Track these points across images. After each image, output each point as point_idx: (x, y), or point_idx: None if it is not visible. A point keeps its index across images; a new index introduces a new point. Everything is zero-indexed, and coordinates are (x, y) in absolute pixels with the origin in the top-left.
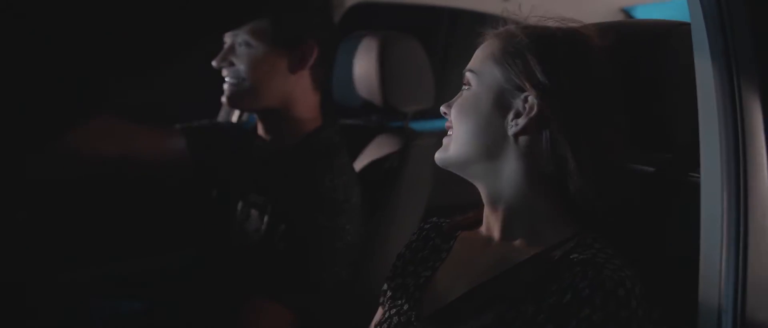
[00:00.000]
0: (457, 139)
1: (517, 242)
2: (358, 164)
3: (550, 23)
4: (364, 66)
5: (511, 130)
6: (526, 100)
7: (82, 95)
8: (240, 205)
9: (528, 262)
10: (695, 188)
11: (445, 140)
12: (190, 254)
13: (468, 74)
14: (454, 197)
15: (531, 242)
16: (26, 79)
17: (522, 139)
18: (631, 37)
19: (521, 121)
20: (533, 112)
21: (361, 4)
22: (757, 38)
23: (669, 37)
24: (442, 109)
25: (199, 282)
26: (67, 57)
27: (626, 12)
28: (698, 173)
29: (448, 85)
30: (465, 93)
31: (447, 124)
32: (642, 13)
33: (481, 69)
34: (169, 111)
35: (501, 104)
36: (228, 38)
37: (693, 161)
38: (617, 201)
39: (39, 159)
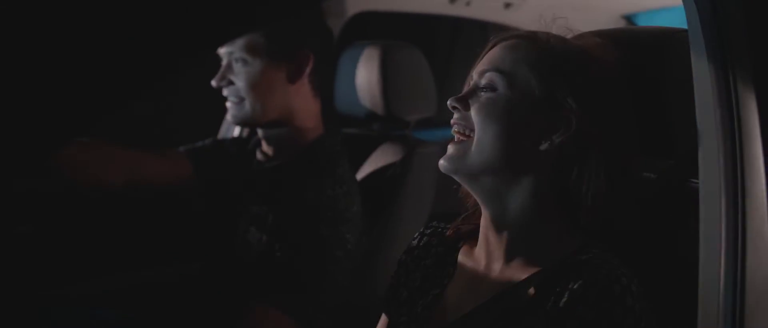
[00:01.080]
0: (480, 143)
1: (521, 259)
2: (361, 173)
3: (570, 37)
4: (366, 75)
5: (545, 145)
6: (564, 115)
7: (79, 110)
8: (242, 216)
9: (532, 278)
10: (695, 194)
11: (456, 147)
12: (194, 266)
13: (494, 75)
14: (457, 204)
15: (535, 258)
16: (23, 89)
17: (549, 154)
18: (632, 43)
19: (557, 137)
20: (572, 129)
21: (364, 13)
22: (754, 45)
23: (668, 43)
24: (452, 102)
25: (202, 293)
26: (64, 70)
27: (627, 19)
28: (698, 178)
29: (450, 94)
30: (492, 95)
31: (456, 121)
32: (643, 21)
33: (513, 71)
34: (171, 127)
35: (535, 115)
36: (224, 57)
37: (693, 167)
38: (629, 213)
39: (43, 175)
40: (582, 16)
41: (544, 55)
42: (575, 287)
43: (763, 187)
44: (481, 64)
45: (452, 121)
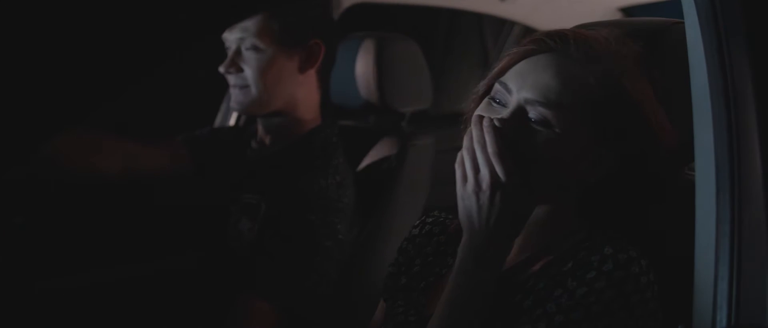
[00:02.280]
0: (536, 183)
1: (529, 254)
2: (356, 165)
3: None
4: (361, 67)
5: (583, 182)
6: (604, 153)
7: (77, 98)
8: (235, 205)
9: (538, 272)
10: (691, 185)
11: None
12: (189, 256)
13: (548, 112)
14: (452, 197)
15: (545, 250)
16: (21, 79)
17: (582, 182)
18: (628, 35)
19: (594, 174)
20: (610, 166)
21: (359, 5)
22: (750, 36)
23: (665, 35)
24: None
25: (192, 282)
26: (63, 59)
27: (623, 13)
28: (693, 169)
29: (446, 86)
30: (548, 134)
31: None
32: (639, 15)
33: (567, 106)
34: (168, 116)
35: (588, 148)
36: (232, 43)
37: (688, 158)
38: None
39: (37, 166)
40: (578, 8)
41: (598, 82)
42: (580, 255)
43: (759, 177)
44: (526, 88)
45: None
